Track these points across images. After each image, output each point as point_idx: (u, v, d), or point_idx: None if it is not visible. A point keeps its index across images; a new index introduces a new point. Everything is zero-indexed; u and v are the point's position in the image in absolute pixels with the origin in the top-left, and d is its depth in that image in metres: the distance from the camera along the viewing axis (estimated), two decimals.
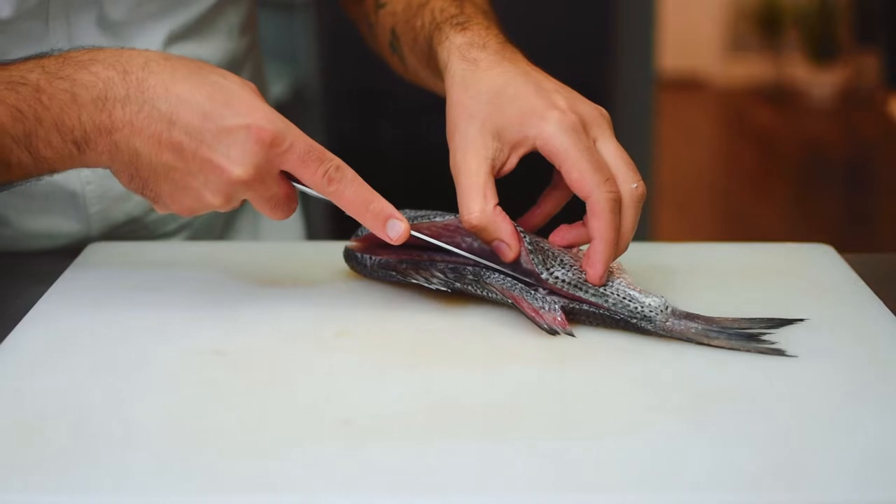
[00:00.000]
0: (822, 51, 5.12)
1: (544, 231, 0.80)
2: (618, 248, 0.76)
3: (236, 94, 0.72)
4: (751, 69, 5.43)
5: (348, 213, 0.75)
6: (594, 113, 0.78)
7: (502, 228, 0.76)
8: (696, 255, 0.91)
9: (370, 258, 0.82)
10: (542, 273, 0.76)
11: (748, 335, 0.73)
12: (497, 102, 0.77)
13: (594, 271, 0.75)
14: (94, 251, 0.91)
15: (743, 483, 0.59)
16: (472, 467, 0.60)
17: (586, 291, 0.75)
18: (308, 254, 0.92)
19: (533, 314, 0.75)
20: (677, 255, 0.91)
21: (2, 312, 0.81)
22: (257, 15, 1.11)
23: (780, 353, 0.72)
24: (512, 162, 0.77)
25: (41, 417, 0.65)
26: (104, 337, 0.75)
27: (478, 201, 0.75)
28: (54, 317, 0.78)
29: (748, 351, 0.72)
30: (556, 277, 0.75)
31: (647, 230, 2.57)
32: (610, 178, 0.75)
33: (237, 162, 0.71)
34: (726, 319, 0.75)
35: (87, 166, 0.75)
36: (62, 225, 0.97)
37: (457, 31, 0.83)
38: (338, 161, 0.74)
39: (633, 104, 2.50)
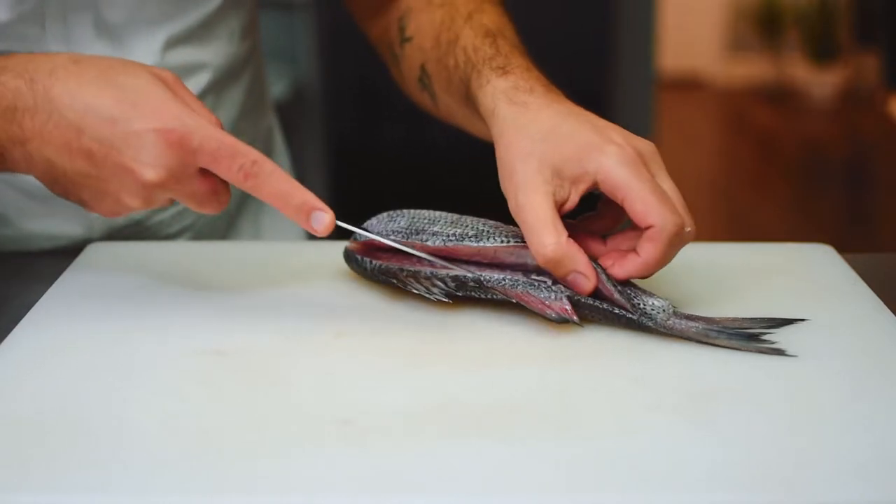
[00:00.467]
0: (822, 51, 5.12)
1: None
2: (638, 270, 0.75)
3: (144, 94, 0.71)
4: (751, 69, 5.43)
5: (273, 205, 0.74)
6: (650, 148, 0.77)
7: (578, 259, 0.74)
8: (696, 255, 0.91)
9: (370, 262, 0.81)
10: None
11: (748, 335, 0.73)
12: (553, 140, 0.76)
13: (617, 272, 0.75)
14: (94, 251, 0.91)
15: (743, 483, 0.59)
16: (472, 467, 0.60)
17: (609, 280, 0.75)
18: (308, 254, 0.92)
19: (541, 307, 0.75)
20: (677, 254, 0.91)
21: (2, 312, 0.81)
22: (258, 18, 1.11)
23: (780, 352, 0.72)
24: (574, 198, 0.76)
25: (41, 417, 0.65)
26: (104, 337, 0.75)
27: (551, 234, 0.73)
28: (54, 317, 0.78)
29: (748, 351, 0.72)
30: None
31: None
32: (676, 212, 0.74)
33: (148, 165, 0.71)
34: (727, 319, 0.75)
35: (12, 172, 0.76)
36: (64, 227, 0.97)
37: (498, 74, 0.81)
38: (254, 155, 0.72)
39: (633, 104, 2.50)
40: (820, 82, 5.15)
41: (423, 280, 0.78)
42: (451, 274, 0.78)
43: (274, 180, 0.73)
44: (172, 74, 0.75)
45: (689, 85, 5.36)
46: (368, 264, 0.82)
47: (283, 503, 0.57)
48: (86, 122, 0.71)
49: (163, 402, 0.67)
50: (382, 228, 0.81)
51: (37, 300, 0.81)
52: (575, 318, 0.74)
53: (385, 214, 0.82)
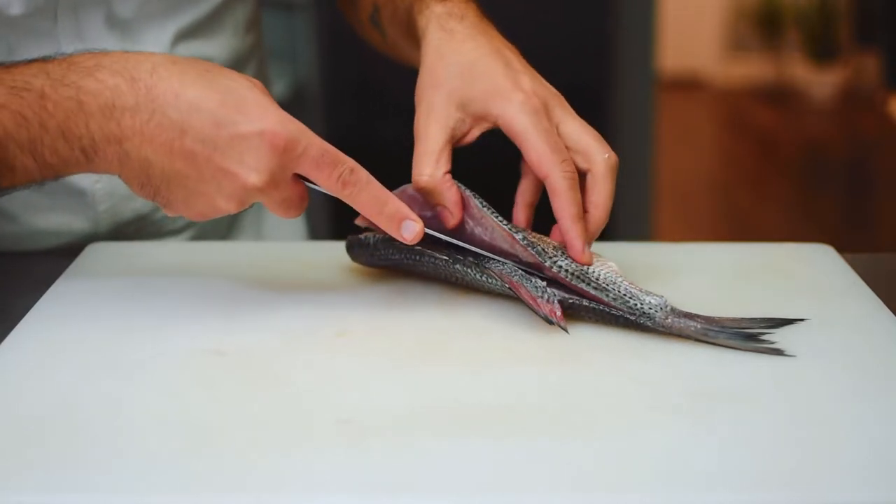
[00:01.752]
0: (822, 51, 5.12)
1: (544, 230, 0.80)
2: (595, 221, 0.78)
3: (247, 98, 0.71)
4: (751, 69, 5.43)
5: (364, 214, 0.76)
6: (557, 97, 0.81)
7: (447, 195, 0.79)
8: (696, 255, 0.91)
9: (374, 236, 0.83)
10: (545, 261, 0.76)
11: (747, 335, 0.73)
12: (466, 76, 0.80)
13: (574, 249, 0.77)
14: (95, 251, 0.91)
15: (743, 483, 0.59)
16: (471, 467, 0.60)
17: (588, 284, 0.75)
18: (309, 254, 0.92)
19: (531, 301, 0.75)
20: (677, 255, 0.91)
21: (2, 312, 0.81)
22: (261, 13, 1.12)
23: (778, 352, 0.72)
24: (473, 134, 0.81)
25: (41, 417, 0.65)
26: (104, 337, 0.75)
27: (430, 165, 0.79)
28: (54, 317, 0.78)
29: (747, 350, 0.72)
30: (560, 266, 0.76)
31: (647, 230, 2.57)
32: (567, 160, 0.78)
33: (252, 168, 0.71)
34: (726, 319, 0.75)
35: (96, 172, 0.75)
36: (71, 222, 0.97)
37: (437, 0, 0.85)
38: (352, 163, 0.74)
39: (633, 104, 2.50)
40: (820, 82, 5.15)
41: (426, 246, 0.80)
42: (452, 245, 0.79)
43: (369, 189, 0.75)
44: (262, 84, 0.74)
45: (689, 85, 5.36)
46: (373, 238, 0.83)
47: (282, 503, 0.57)
48: (190, 123, 0.70)
49: (163, 401, 0.67)
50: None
51: (37, 300, 0.81)
52: (562, 323, 0.74)
53: None
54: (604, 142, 0.79)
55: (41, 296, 0.82)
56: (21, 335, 0.75)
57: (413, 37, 0.88)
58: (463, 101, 0.80)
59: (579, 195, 0.77)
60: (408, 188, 0.81)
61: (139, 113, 0.70)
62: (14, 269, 0.92)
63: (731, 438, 0.62)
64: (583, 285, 0.75)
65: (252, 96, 0.72)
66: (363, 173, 0.74)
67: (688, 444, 0.62)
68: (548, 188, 0.78)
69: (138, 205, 0.98)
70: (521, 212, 0.83)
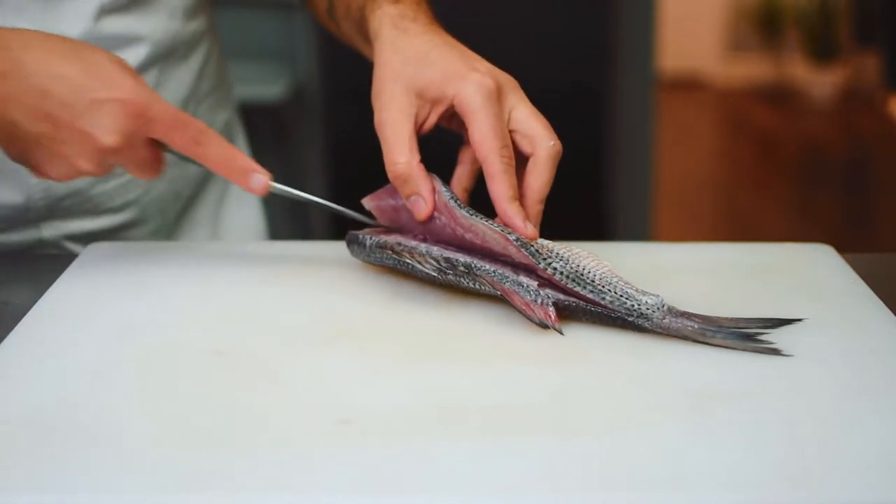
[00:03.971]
0: (822, 51, 5.12)
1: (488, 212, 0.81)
2: (531, 205, 0.80)
3: (107, 68, 0.78)
4: (751, 69, 5.43)
5: (216, 171, 0.82)
6: (511, 82, 0.83)
7: (422, 183, 0.81)
8: (696, 255, 0.91)
9: (370, 237, 0.84)
10: (539, 263, 0.76)
11: (745, 334, 0.73)
12: (422, 65, 0.82)
13: (517, 227, 0.78)
14: (94, 251, 0.91)
15: (742, 483, 0.59)
16: (471, 467, 0.60)
17: (584, 287, 0.75)
18: (308, 254, 0.92)
19: (524, 307, 0.75)
20: (677, 255, 0.91)
21: (2, 312, 0.81)
22: (211, 5, 1.11)
23: (776, 352, 0.72)
24: (432, 119, 0.83)
25: (40, 417, 0.65)
26: (104, 337, 0.75)
27: (404, 153, 0.81)
28: (54, 316, 0.78)
29: (745, 350, 0.72)
30: (554, 269, 0.76)
31: (647, 230, 2.57)
32: (507, 146, 0.80)
33: (107, 131, 0.78)
34: (724, 319, 0.75)
35: None
36: (3, 195, 0.97)
37: (390, 2, 0.88)
38: (202, 125, 0.80)
39: (633, 104, 2.50)
40: (820, 82, 5.15)
41: (417, 255, 0.80)
42: (444, 254, 0.79)
43: (219, 147, 0.81)
44: (124, 60, 0.81)
45: (689, 85, 5.36)
46: (368, 240, 0.83)
47: (282, 502, 0.57)
48: (53, 88, 0.77)
49: (162, 401, 0.67)
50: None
51: (37, 300, 0.81)
52: (557, 325, 0.74)
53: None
54: (551, 130, 0.82)
55: (41, 296, 0.82)
56: (21, 335, 0.75)
57: (364, 34, 0.91)
58: (420, 88, 0.82)
59: (514, 178, 0.80)
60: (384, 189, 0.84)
61: (8, 79, 0.78)
62: (14, 269, 0.92)
63: (729, 438, 0.62)
64: (578, 287, 0.75)
65: (112, 67, 0.79)
66: (214, 134, 0.81)
67: (686, 444, 0.62)
68: (485, 171, 0.80)
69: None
70: (464, 177, 0.86)
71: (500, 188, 0.79)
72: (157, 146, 0.81)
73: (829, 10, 5.14)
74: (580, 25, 2.46)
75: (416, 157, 0.81)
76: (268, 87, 2.45)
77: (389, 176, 0.81)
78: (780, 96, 5.26)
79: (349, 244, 0.86)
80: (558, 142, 0.81)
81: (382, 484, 0.58)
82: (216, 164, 0.81)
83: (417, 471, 0.59)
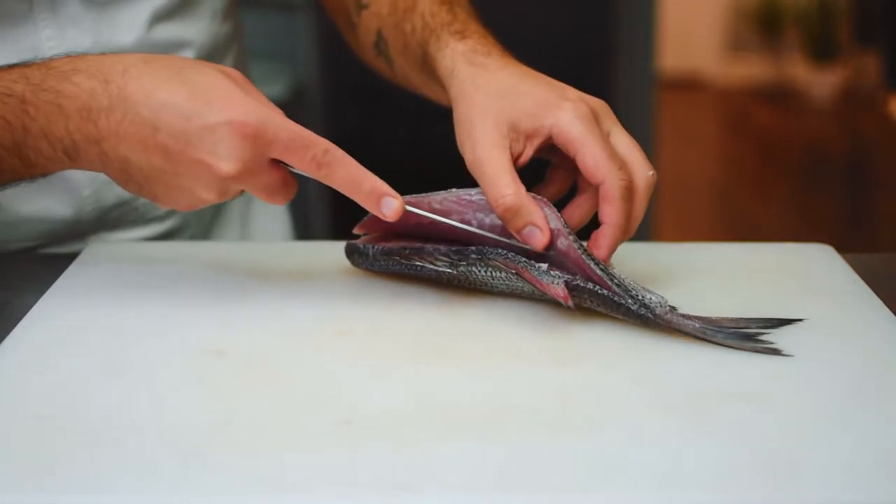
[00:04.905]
0: (822, 51, 5.12)
1: None
2: (626, 233, 0.78)
3: (215, 89, 0.73)
4: (751, 69, 5.43)
5: (344, 193, 0.76)
6: (604, 107, 0.80)
7: (535, 212, 0.76)
8: (696, 255, 0.91)
9: (373, 247, 0.83)
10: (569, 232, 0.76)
11: (745, 334, 0.73)
12: (511, 97, 0.79)
13: (600, 253, 0.76)
14: (94, 251, 0.91)
15: (742, 483, 0.59)
16: (471, 467, 0.60)
17: (596, 264, 0.75)
18: (308, 254, 0.92)
19: (537, 283, 0.75)
20: (677, 255, 0.91)
21: (2, 312, 0.81)
22: (237, 5, 1.12)
23: (776, 352, 0.72)
24: (528, 153, 0.79)
25: (40, 417, 0.65)
26: (104, 337, 0.75)
27: (510, 185, 0.76)
28: (54, 317, 0.78)
29: (745, 350, 0.72)
30: (572, 237, 0.76)
31: (647, 230, 2.57)
32: (623, 167, 0.77)
33: (224, 158, 0.72)
34: (724, 319, 0.75)
35: (83, 170, 0.77)
36: (55, 209, 0.97)
37: (456, 39, 0.85)
38: (325, 144, 0.74)
39: (633, 104, 2.50)
40: (820, 82, 5.15)
41: (426, 256, 0.79)
42: (453, 248, 0.79)
43: (345, 168, 0.74)
44: (239, 73, 0.76)
45: (689, 85, 5.36)
46: (371, 250, 0.83)
47: (282, 502, 0.57)
48: (161, 119, 0.72)
49: (162, 401, 0.67)
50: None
51: (37, 300, 0.81)
52: (570, 302, 0.74)
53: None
54: (647, 159, 0.79)
55: (41, 296, 0.82)
56: (21, 335, 0.75)
57: (429, 72, 0.87)
58: (513, 122, 0.78)
59: (629, 206, 0.77)
60: (450, 194, 0.80)
61: (113, 113, 0.73)
62: (14, 269, 0.92)
63: (730, 438, 0.62)
64: (591, 263, 0.75)
65: (221, 86, 0.73)
66: (338, 153, 0.74)
67: (687, 443, 0.62)
68: (601, 194, 0.76)
69: (121, 189, 0.99)
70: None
71: (614, 213, 0.76)
72: (283, 166, 0.75)
73: (829, 10, 5.13)
74: (580, 25, 2.46)
75: (522, 187, 0.76)
76: (268, 87, 2.45)
77: (498, 212, 0.76)
78: (780, 96, 5.26)
79: (349, 255, 0.85)
80: (654, 172, 0.79)
81: (382, 484, 0.58)
82: (343, 187, 0.75)
83: (418, 471, 0.59)
